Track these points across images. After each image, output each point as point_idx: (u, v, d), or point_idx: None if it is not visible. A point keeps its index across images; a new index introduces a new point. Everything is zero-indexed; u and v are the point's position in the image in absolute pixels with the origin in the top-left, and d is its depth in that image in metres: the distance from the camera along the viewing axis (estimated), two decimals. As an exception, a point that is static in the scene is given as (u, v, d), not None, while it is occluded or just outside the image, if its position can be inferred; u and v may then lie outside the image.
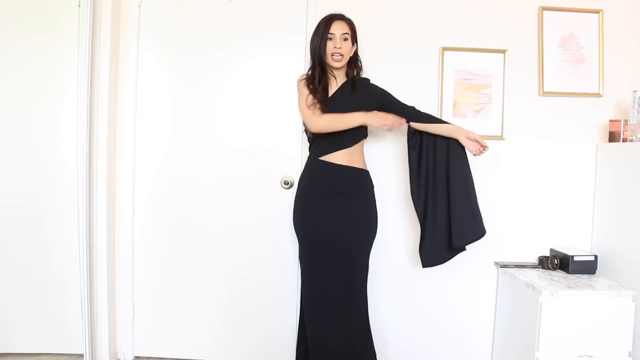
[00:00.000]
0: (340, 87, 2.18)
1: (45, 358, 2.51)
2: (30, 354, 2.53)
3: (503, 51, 2.49)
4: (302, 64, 2.49)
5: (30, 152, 2.45)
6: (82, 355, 2.45)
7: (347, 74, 2.21)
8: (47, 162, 2.46)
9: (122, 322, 2.61)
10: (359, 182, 2.17)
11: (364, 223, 2.15)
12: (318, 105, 2.11)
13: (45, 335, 2.52)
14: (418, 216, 2.23)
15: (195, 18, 2.53)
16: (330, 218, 2.11)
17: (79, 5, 2.36)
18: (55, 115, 2.46)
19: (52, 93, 2.45)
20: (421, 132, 2.21)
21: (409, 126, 2.21)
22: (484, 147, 2.11)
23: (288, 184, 2.53)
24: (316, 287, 2.13)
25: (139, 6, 2.52)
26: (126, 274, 2.59)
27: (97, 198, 2.45)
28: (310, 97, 2.13)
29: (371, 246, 2.20)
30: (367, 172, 2.21)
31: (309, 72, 2.19)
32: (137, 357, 2.65)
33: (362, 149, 2.23)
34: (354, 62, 2.20)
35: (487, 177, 2.54)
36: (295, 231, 2.23)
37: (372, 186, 2.22)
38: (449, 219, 2.17)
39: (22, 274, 2.49)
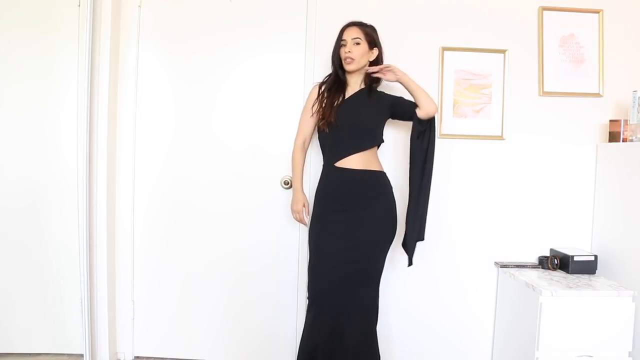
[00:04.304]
0: (356, 92, 2.20)
1: (45, 358, 2.51)
2: (30, 354, 2.52)
3: (503, 51, 2.49)
4: (302, 61, 2.50)
5: (30, 152, 2.45)
6: (82, 355, 2.45)
7: (365, 82, 2.22)
8: (47, 162, 2.46)
9: (122, 322, 2.61)
10: (378, 185, 2.17)
11: (383, 226, 2.15)
12: (329, 112, 2.15)
13: (45, 335, 2.52)
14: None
15: (196, 17, 2.53)
16: (350, 226, 2.11)
17: (79, 5, 2.36)
18: (55, 115, 2.46)
19: (52, 93, 2.45)
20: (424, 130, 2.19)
21: (415, 119, 2.17)
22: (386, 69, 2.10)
23: (288, 184, 2.53)
24: (328, 295, 2.12)
25: (139, 6, 2.52)
26: (126, 274, 2.59)
27: (97, 198, 2.45)
28: (316, 106, 2.21)
29: (388, 248, 2.20)
30: (384, 173, 2.21)
31: (326, 78, 2.27)
32: (137, 357, 2.65)
33: (376, 152, 2.23)
34: None
35: (486, 177, 2.54)
36: (311, 247, 2.21)
37: (391, 187, 2.21)
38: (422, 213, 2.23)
39: (22, 274, 2.48)
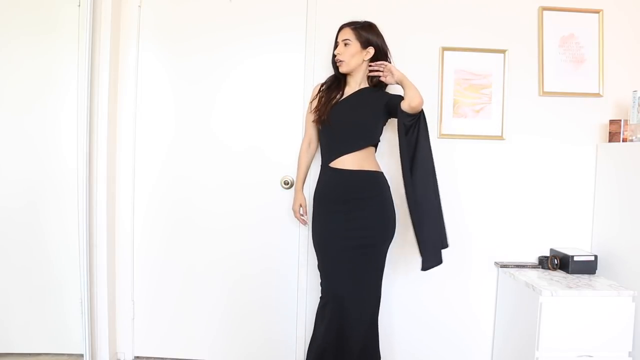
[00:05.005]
0: (354, 92, 2.20)
1: (45, 358, 2.51)
2: (30, 354, 2.52)
3: (503, 51, 2.49)
4: (302, 61, 2.51)
5: (30, 152, 2.45)
6: (82, 355, 2.45)
7: (369, 80, 2.22)
8: (47, 162, 2.46)
9: (122, 322, 2.61)
10: (373, 184, 2.15)
11: (381, 225, 2.13)
12: (324, 109, 2.17)
13: (45, 335, 2.52)
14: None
15: (196, 17, 2.53)
16: (347, 226, 2.10)
17: (79, 5, 2.36)
18: (55, 115, 2.45)
19: (52, 93, 2.45)
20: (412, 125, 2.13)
21: (399, 111, 2.10)
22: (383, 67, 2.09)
23: (288, 184, 2.53)
24: (335, 295, 2.12)
25: (139, 6, 2.52)
26: (126, 274, 2.59)
27: (97, 198, 2.45)
28: (315, 102, 2.24)
29: (388, 246, 2.18)
30: (381, 173, 2.19)
31: (328, 79, 2.30)
32: (137, 357, 2.65)
33: (374, 152, 2.23)
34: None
35: (486, 177, 2.54)
36: (315, 248, 2.22)
37: (388, 187, 2.19)
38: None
39: (22, 274, 2.48)
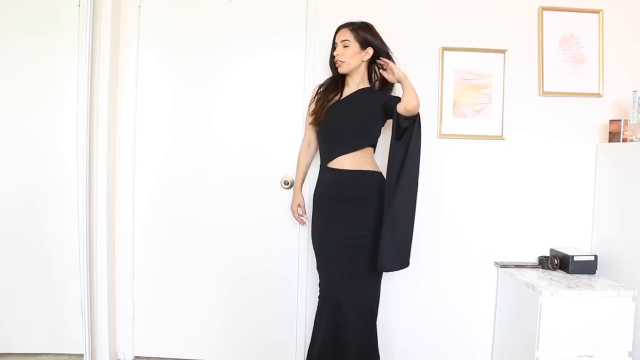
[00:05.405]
0: (352, 93, 2.20)
1: (45, 358, 2.51)
2: (30, 354, 2.52)
3: (503, 51, 2.49)
4: (302, 61, 2.51)
5: (29, 153, 2.45)
6: (82, 355, 2.45)
7: (370, 80, 2.24)
8: (47, 162, 2.46)
9: (122, 322, 2.61)
10: (371, 184, 2.15)
11: (379, 225, 2.11)
12: (320, 111, 2.18)
13: (45, 335, 2.52)
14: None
15: (196, 17, 2.53)
16: (346, 226, 2.11)
17: (79, 5, 2.36)
18: (54, 116, 2.45)
19: (52, 93, 2.45)
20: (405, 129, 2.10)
21: (394, 113, 2.08)
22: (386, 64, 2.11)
23: (288, 184, 2.53)
24: (333, 293, 2.13)
25: (139, 6, 2.52)
26: (126, 274, 2.59)
27: (97, 198, 2.45)
28: (313, 105, 2.25)
29: None
30: (379, 173, 2.19)
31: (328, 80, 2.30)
32: (137, 357, 2.65)
33: (372, 152, 2.23)
34: (372, 67, 2.23)
35: (486, 177, 2.54)
36: (314, 248, 2.24)
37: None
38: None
39: (22, 274, 2.48)
